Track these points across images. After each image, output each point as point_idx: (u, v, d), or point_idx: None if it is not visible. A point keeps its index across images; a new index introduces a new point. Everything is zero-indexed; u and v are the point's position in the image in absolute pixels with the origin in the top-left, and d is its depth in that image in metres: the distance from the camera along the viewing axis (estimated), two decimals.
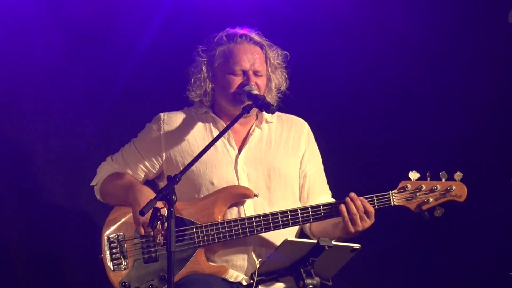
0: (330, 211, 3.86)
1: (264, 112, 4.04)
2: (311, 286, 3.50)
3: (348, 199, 3.84)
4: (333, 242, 3.54)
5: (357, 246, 3.59)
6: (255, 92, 3.91)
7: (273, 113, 3.84)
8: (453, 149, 5.00)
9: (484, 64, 5.03)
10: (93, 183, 4.13)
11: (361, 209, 3.82)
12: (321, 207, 3.88)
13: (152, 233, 3.78)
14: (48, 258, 4.76)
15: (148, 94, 4.91)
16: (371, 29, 5.08)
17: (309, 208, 3.88)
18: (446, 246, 5.01)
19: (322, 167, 4.19)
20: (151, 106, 4.65)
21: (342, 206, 3.83)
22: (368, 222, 3.84)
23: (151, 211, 3.42)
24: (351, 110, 5.14)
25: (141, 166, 4.05)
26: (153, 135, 4.05)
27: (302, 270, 3.53)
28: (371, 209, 3.83)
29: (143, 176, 4.07)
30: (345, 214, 3.82)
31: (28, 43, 4.74)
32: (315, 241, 3.52)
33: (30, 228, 4.74)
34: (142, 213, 3.39)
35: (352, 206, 3.82)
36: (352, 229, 3.81)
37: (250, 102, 3.88)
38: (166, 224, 3.44)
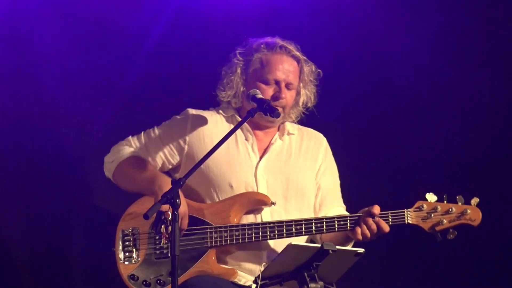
0: (344, 225, 3.88)
1: (286, 124, 4.11)
2: None
3: (363, 225, 3.82)
4: (337, 247, 3.54)
5: (361, 250, 3.58)
6: (260, 96, 3.94)
7: (277, 117, 3.87)
8: (471, 173, 4.99)
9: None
10: (109, 159, 4.12)
11: (373, 229, 3.83)
12: (336, 220, 3.89)
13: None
14: (54, 253, 4.79)
15: (156, 94, 4.94)
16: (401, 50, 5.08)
17: (324, 220, 3.90)
18: (449, 251, 5.02)
19: (338, 181, 4.21)
20: (159, 107, 4.67)
21: (358, 230, 3.83)
22: (375, 237, 3.86)
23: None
24: (372, 127, 5.15)
25: (161, 154, 4.06)
26: (180, 127, 4.07)
27: (306, 274, 3.52)
28: (387, 230, 3.84)
29: (160, 164, 4.08)
30: (359, 236, 3.84)
31: (34, 41, 4.80)
32: (319, 245, 3.51)
33: (35, 223, 4.77)
34: (146, 216, 3.39)
35: (366, 231, 3.82)
36: (360, 241, 3.85)
37: (255, 105, 3.88)
38: (170, 227, 3.44)
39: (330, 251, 3.51)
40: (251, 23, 4.92)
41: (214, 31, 4.91)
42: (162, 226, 3.47)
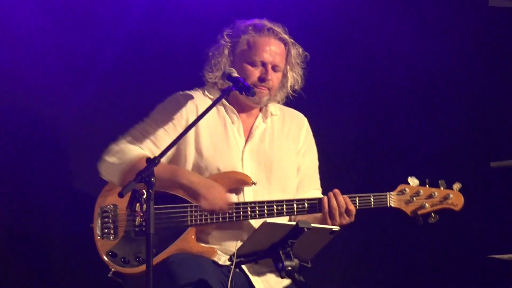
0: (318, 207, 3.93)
1: (269, 106, 4.11)
2: (290, 268, 3.49)
3: (331, 193, 3.91)
4: (312, 225, 3.54)
5: (336, 228, 3.60)
6: (235, 74, 3.93)
7: (253, 95, 3.86)
8: (453, 159, 5.03)
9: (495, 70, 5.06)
10: (113, 161, 3.96)
11: (342, 205, 3.87)
12: (317, 200, 3.93)
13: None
14: (40, 241, 4.79)
15: (135, 80, 4.93)
16: (380, 31, 5.11)
17: (305, 201, 3.93)
18: (426, 230, 5.04)
19: (317, 163, 4.22)
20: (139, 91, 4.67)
21: (325, 199, 3.89)
22: (347, 219, 3.90)
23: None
24: (355, 110, 5.18)
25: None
26: (178, 110, 4.01)
27: (281, 252, 3.52)
28: (352, 208, 3.89)
29: (172, 155, 4.00)
30: (326, 206, 3.88)
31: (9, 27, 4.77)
32: (294, 223, 3.52)
33: (19, 208, 4.76)
34: (120, 195, 3.39)
35: (333, 201, 3.87)
36: (329, 223, 3.87)
37: (231, 84, 3.89)
38: (145, 206, 3.45)
39: (305, 228, 3.52)
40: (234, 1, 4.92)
41: (197, 8, 4.89)
42: (137, 204, 3.48)
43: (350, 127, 5.16)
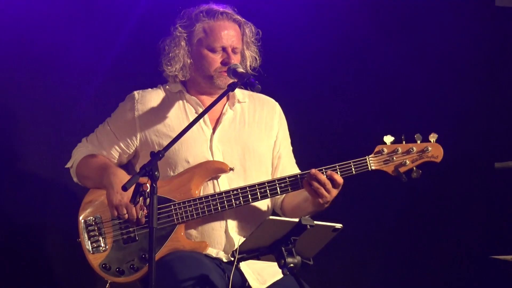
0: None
1: (235, 92, 4.05)
2: (292, 265, 3.45)
3: (309, 175, 3.83)
4: (315, 222, 3.50)
5: (339, 226, 3.55)
6: (241, 70, 3.93)
7: (258, 91, 3.86)
8: (457, 159, 5.00)
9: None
10: (68, 165, 4.10)
11: (324, 182, 3.81)
12: (298, 176, 3.88)
13: (126, 216, 3.80)
14: (26, 245, 4.73)
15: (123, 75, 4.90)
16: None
17: (287, 178, 3.88)
18: (430, 230, 5.04)
19: (291, 147, 4.20)
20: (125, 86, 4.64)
21: (304, 182, 3.84)
22: (335, 192, 3.85)
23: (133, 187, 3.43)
24: (359, 111, 5.18)
25: (116, 147, 4.03)
26: (127, 115, 4.02)
27: (283, 248, 3.47)
28: (338, 177, 3.84)
29: (117, 157, 4.04)
30: (308, 188, 3.84)
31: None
32: (297, 220, 3.47)
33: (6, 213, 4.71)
34: (124, 188, 3.39)
35: (314, 183, 3.82)
36: (320, 201, 3.84)
37: (236, 80, 3.88)
38: (148, 200, 3.44)
39: (308, 226, 3.49)
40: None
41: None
42: (141, 198, 3.48)
43: (316, 99, 5.15)
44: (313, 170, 3.85)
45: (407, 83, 5.16)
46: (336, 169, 3.87)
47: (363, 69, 5.14)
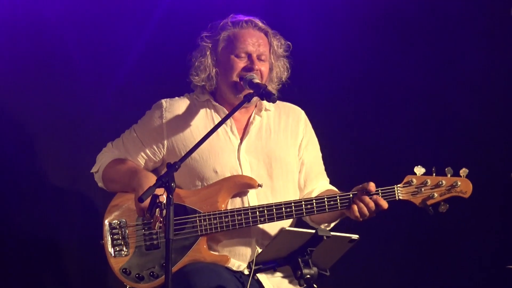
0: (335, 205, 3.87)
1: (263, 101, 4.05)
2: (308, 276, 3.49)
3: (360, 203, 3.82)
4: (332, 233, 3.52)
5: (355, 236, 3.57)
6: (257, 80, 3.95)
7: (274, 102, 3.87)
8: (458, 146, 5.00)
9: (496, 59, 5.03)
10: (93, 170, 4.13)
11: (372, 207, 3.82)
12: (326, 200, 3.87)
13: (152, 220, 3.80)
14: (47, 246, 4.77)
15: (149, 83, 4.93)
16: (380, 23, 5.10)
17: (313, 201, 3.87)
18: (445, 241, 5.02)
19: (320, 154, 4.21)
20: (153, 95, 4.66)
21: (355, 208, 3.83)
22: (374, 215, 3.85)
23: (150, 198, 3.44)
24: (359, 102, 5.18)
25: (142, 153, 4.05)
26: (155, 123, 4.05)
27: (299, 260, 3.51)
28: (385, 206, 3.83)
29: (143, 164, 4.07)
30: (357, 214, 3.83)
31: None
32: (313, 231, 3.50)
33: (30, 215, 4.75)
34: (141, 199, 3.40)
35: (364, 209, 3.82)
36: (358, 219, 3.85)
37: (252, 91, 3.88)
38: (164, 211, 3.44)
39: (325, 237, 3.50)
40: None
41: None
42: (157, 209, 3.48)
43: (350, 118, 5.15)
44: (372, 187, 3.83)
45: (421, 93, 5.15)
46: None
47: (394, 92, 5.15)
